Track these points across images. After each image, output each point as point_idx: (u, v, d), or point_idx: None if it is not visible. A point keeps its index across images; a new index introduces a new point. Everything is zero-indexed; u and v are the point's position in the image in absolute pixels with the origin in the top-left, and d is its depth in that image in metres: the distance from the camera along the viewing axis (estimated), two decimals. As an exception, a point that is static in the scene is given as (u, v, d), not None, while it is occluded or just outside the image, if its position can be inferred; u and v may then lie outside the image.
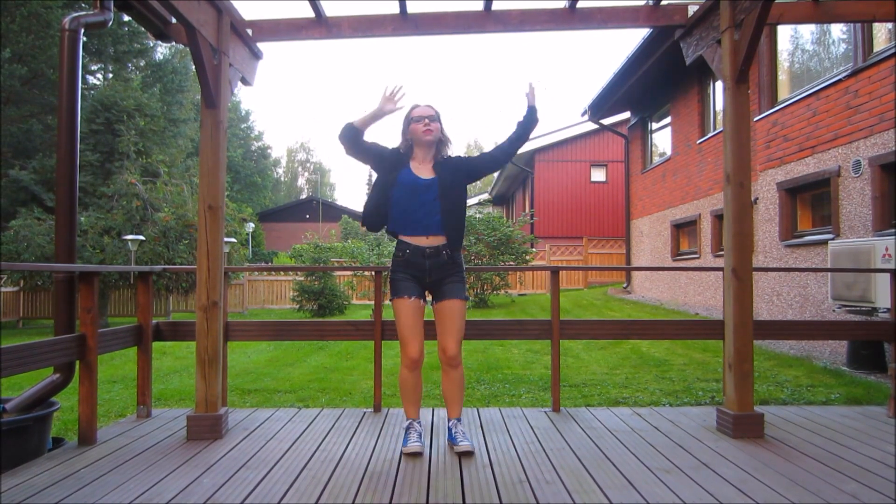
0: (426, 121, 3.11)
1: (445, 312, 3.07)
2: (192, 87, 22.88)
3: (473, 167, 3.24)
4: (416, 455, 2.98)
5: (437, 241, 3.07)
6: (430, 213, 3.06)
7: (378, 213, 3.16)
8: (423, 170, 3.15)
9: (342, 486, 2.59)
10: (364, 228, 3.33)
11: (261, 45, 3.91)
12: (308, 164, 67.50)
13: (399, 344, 3.09)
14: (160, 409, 4.07)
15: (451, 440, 3.10)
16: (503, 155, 3.27)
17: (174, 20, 3.59)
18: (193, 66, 3.57)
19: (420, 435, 3.11)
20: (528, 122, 3.26)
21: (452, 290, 3.09)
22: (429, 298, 3.19)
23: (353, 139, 3.11)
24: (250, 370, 6.63)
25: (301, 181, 66.08)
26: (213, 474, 2.74)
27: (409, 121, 3.16)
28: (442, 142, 3.20)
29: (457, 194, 3.13)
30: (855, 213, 6.64)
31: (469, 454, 2.99)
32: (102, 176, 15.78)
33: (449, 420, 3.17)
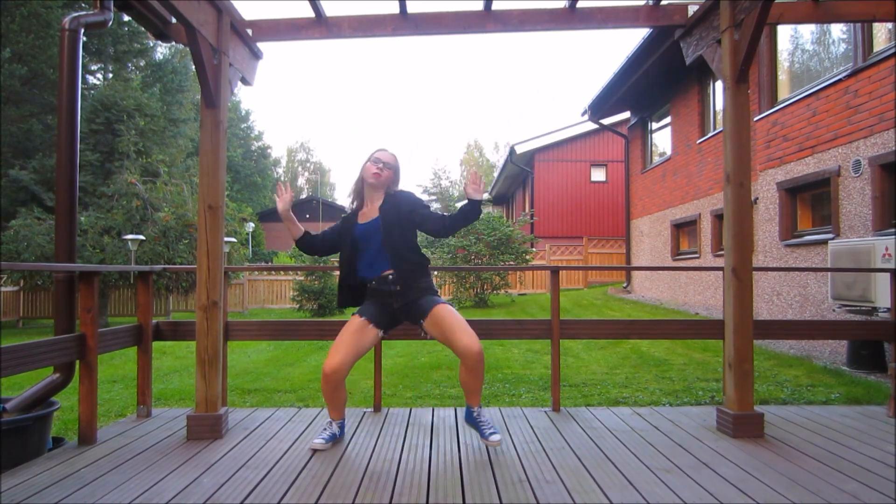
0: (381, 165, 3.23)
1: (440, 318, 3.04)
2: (192, 86, 22.90)
3: (417, 218, 3.21)
4: (317, 451, 3.06)
5: (393, 271, 3.18)
6: (379, 255, 3.17)
7: (351, 274, 3.26)
8: (370, 213, 3.25)
9: (342, 486, 2.59)
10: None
11: (261, 45, 3.91)
12: (308, 164, 67.56)
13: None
14: (160, 408, 4.07)
15: (480, 432, 3.08)
16: (442, 230, 3.17)
17: (174, 20, 3.59)
18: (193, 66, 3.57)
19: (333, 435, 3.16)
20: (471, 214, 3.11)
21: (431, 301, 3.12)
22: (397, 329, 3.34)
23: (308, 247, 3.37)
24: (250, 370, 6.63)
25: (301, 181, 66.11)
26: (213, 474, 2.74)
27: (369, 159, 3.29)
28: (391, 186, 3.29)
29: (399, 232, 3.16)
30: (855, 212, 6.64)
31: (498, 442, 3.03)
32: (102, 176, 15.79)
33: (472, 408, 3.13)
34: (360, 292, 3.30)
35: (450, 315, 3.04)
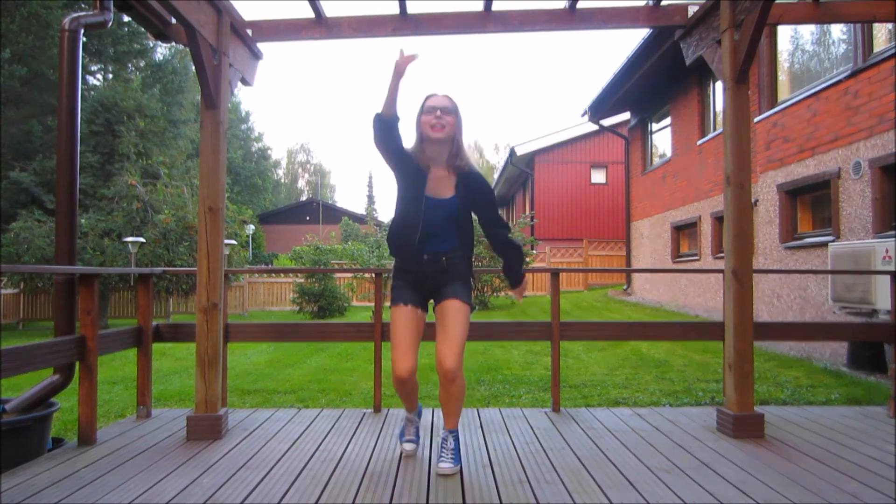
0: (438, 112, 2.72)
1: (443, 314, 2.76)
2: (192, 87, 22.93)
3: (483, 218, 2.92)
4: (410, 455, 3.01)
5: (441, 251, 2.80)
6: (447, 231, 2.80)
7: (405, 227, 2.82)
8: (439, 185, 2.81)
9: (342, 487, 2.58)
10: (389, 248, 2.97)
11: (261, 46, 3.91)
12: (308, 166, 67.52)
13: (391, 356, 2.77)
14: (160, 409, 4.07)
15: (439, 451, 2.84)
16: (487, 233, 2.90)
17: (174, 20, 3.59)
18: (193, 67, 3.57)
19: (417, 431, 3.10)
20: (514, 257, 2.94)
21: (454, 290, 2.79)
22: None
23: (385, 131, 2.75)
24: (250, 371, 6.62)
25: (301, 183, 66.07)
26: (212, 474, 2.74)
27: (421, 111, 2.79)
28: (457, 141, 2.79)
29: (469, 215, 2.90)
30: (855, 214, 6.64)
31: (446, 476, 2.72)
32: (103, 178, 15.79)
33: (443, 430, 2.87)
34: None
35: (455, 318, 2.74)
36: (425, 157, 2.82)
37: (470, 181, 2.83)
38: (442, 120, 2.72)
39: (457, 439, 2.84)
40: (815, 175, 7.34)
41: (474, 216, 2.95)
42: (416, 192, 2.80)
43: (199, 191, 3.43)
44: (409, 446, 3.04)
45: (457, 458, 2.80)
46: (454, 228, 2.83)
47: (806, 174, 7.55)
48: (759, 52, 8.46)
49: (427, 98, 2.82)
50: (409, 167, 2.83)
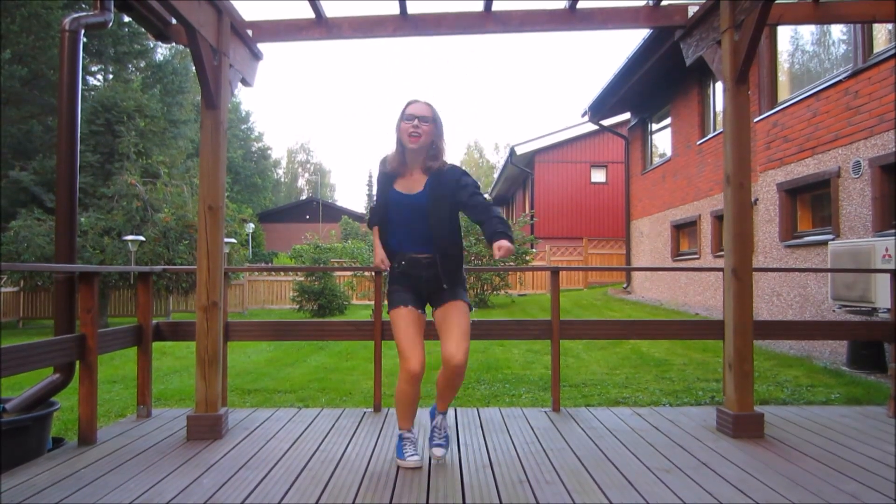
0: (416, 121, 2.80)
1: (447, 314, 2.84)
2: (193, 87, 22.88)
3: (460, 201, 2.85)
4: (416, 469, 2.82)
5: (431, 255, 2.86)
6: (422, 228, 2.84)
7: (382, 226, 2.97)
8: (413, 182, 2.88)
9: (342, 486, 2.59)
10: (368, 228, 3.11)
11: (261, 46, 3.91)
12: (308, 165, 67.57)
13: (398, 356, 2.81)
14: (160, 409, 4.08)
15: (430, 438, 3.03)
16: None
17: (174, 21, 3.59)
18: (193, 67, 3.57)
19: (416, 446, 2.93)
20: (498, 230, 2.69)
21: (453, 293, 2.89)
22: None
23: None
24: (250, 370, 6.63)
25: (301, 182, 66.12)
26: (213, 474, 2.74)
27: (402, 118, 2.87)
28: (435, 146, 2.87)
29: (446, 212, 2.86)
30: (855, 213, 6.64)
31: (440, 457, 2.93)
32: (103, 177, 15.78)
33: (436, 414, 3.05)
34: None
35: (458, 317, 2.83)
36: (406, 161, 2.90)
37: (441, 174, 2.86)
38: (419, 129, 2.80)
39: (446, 421, 3.09)
40: (815, 174, 7.34)
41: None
42: (385, 189, 2.93)
43: (199, 190, 3.43)
44: (414, 459, 2.85)
45: (448, 440, 3.05)
46: (427, 226, 2.83)
47: (806, 173, 7.55)
48: (759, 52, 8.46)
49: (407, 105, 2.89)
50: (384, 187, 2.95)
